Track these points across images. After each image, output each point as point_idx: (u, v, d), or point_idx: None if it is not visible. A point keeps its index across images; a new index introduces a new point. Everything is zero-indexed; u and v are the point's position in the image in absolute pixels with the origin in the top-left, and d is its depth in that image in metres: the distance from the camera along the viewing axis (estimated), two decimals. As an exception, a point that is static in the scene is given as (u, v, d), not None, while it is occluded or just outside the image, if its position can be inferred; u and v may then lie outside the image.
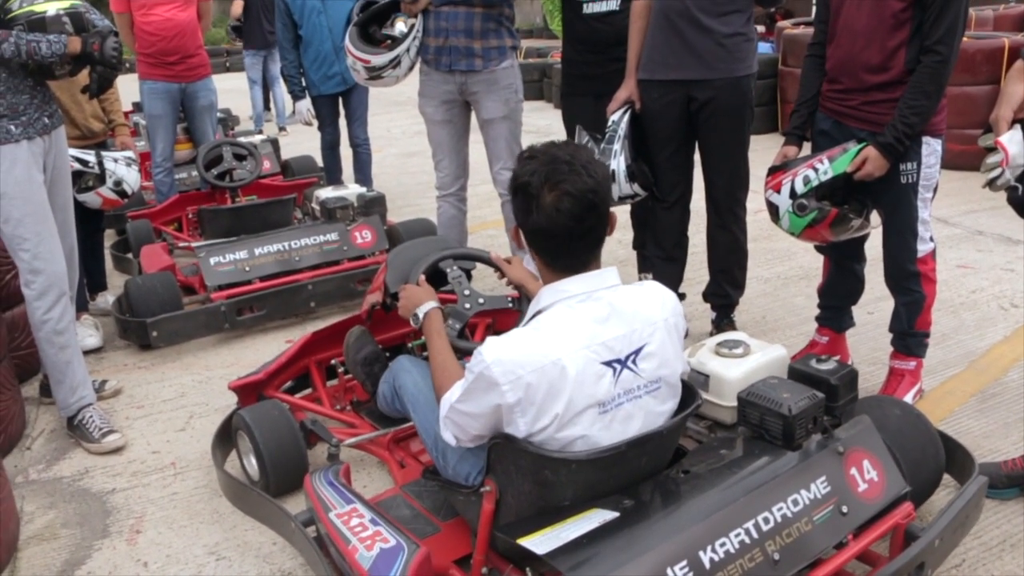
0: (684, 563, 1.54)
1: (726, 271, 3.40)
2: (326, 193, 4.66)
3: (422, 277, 2.31)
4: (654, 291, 1.84)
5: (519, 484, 1.75)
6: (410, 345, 2.76)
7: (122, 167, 3.77)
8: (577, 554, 1.52)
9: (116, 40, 2.80)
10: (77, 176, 3.59)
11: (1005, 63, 5.84)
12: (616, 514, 1.64)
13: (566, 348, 1.66)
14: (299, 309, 3.97)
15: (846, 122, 2.71)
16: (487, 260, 2.50)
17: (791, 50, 7.46)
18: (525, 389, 1.64)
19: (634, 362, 1.73)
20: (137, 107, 5.99)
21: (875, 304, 3.61)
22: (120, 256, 4.78)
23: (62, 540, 2.46)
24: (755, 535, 1.64)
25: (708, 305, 3.53)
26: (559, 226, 1.69)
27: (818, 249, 3.09)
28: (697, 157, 3.29)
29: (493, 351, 1.67)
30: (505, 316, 2.78)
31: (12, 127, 2.68)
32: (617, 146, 3.14)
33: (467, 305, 2.42)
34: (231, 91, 10.85)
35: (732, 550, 1.60)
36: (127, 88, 5.00)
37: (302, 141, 8.07)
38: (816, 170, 2.64)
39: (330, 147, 5.59)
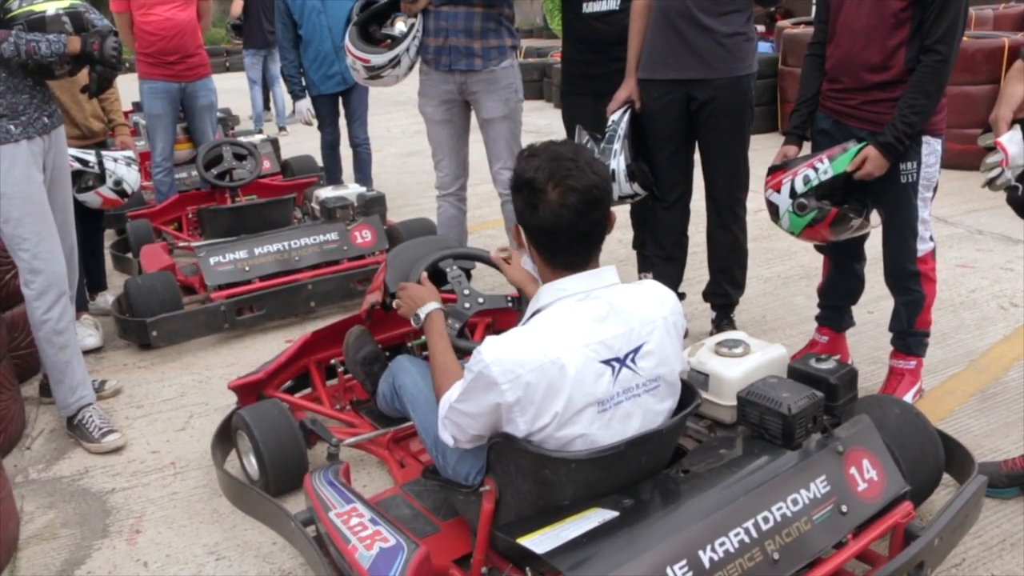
0: (684, 562, 1.54)
1: (726, 271, 3.40)
2: (326, 193, 4.66)
3: (424, 275, 2.30)
4: (653, 290, 1.85)
5: (519, 484, 1.75)
6: (410, 345, 2.76)
7: (122, 167, 3.77)
8: (577, 553, 1.52)
9: (116, 40, 2.80)
10: (77, 176, 3.59)
11: (1005, 63, 5.84)
12: (616, 513, 1.64)
13: (565, 347, 1.66)
14: (299, 309, 3.97)
15: (846, 121, 2.71)
16: (487, 260, 2.49)
17: (791, 50, 7.46)
18: (524, 388, 1.64)
19: (633, 361, 1.73)
20: (137, 107, 5.99)
21: (875, 303, 3.61)
22: (120, 256, 4.78)
23: (62, 540, 2.46)
24: (755, 534, 1.64)
25: (708, 305, 3.53)
26: (564, 222, 1.69)
27: (818, 248, 3.09)
28: (697, 157, 3.29)
29: (492, 350, 1.67)
30: (505, 315, 2.78)
31: (12, 127, 2.68)
32: (617, 145, 3.14)
33: (467, 305, 2.42)
34: (231, 91, 10.85)
35: (732, 549, 1.60)
36: (127, 88, 5.00)
37: (302, 141, 8.08)
38: (816, 169, 2.64)
39: (330, 147, 5.59)
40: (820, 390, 1.96)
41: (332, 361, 2.92)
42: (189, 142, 5.32)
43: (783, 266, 4.40)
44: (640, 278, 3.59)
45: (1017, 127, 2.21)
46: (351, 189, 4.71)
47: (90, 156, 3.69)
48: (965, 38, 2.88)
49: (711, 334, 3.38)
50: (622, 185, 3.15)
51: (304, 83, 5.42)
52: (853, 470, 1.86)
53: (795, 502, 1.73)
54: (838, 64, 2.69)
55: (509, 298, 2.50)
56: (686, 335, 2.02)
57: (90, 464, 2.86)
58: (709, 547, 1.58)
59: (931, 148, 2.61)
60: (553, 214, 1.68)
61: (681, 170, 3.26)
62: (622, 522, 1.62)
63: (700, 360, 2.35)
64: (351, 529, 1.97)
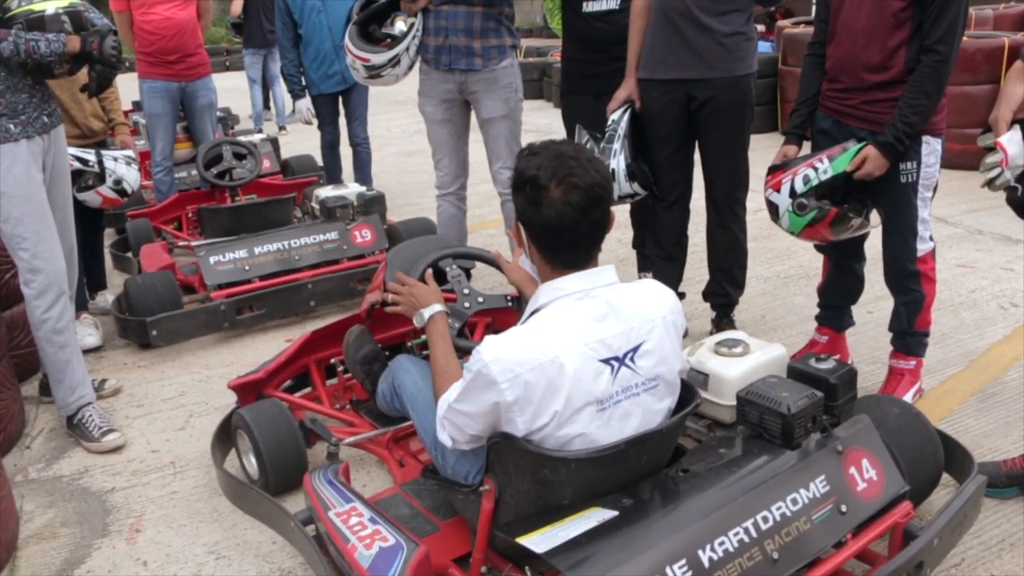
0: (683, 562, 1.54)
1: (726, 270, 3.40)
2: (326, 192, 4.66)
3: (430, 273, 2.30)
4: (652, 289, 1.85)
5: (518, 483, 1.75)
6: (409, 344, 2.76)
7: (122, 166, 3.77)
8: (576, 553, 1.52)
9: (115, 39, 2.80)
10: (77, 175, 3.59)
11: (1005, 62, 5.84)
12: (615, 513, 1.65)
13: (564, 346, 1.66)
14: (299, 308, 3.97)
15: (846, 121, 2.71)
16: (488, 259, 2.49)
17: (791, 49, 7.46)
18: (524, 387, 1.64)
19: (632, 360, 1.73)
20: (137, 106, 5.99)
21: (875, 303, 3.61)
22: (120, 255, 4.78)
23: (61, 539, 2.46)
24: (754, 534, 1.65)
25: (708, 304, 3.53)
26: (567, 219, 1.69)
27: (818, 248, 3.09)
28: (697, 156, 3.29)
29: (491, 349, 1.67)
30: (505, 315, 2.78)
31: (11, 126, 2.68)
32: (617, 145, 3.14)
33: (467, 304, 2.42)
34: (231, 90, 10.85)
35: (731, 549, 1.60)
36: (127, 87, 5.00)
37: (302, 140, 8.08)
38: (816, 169, 2.64)
39: (330, 146, 5.59)
40: (820, 390, 1.96)
41: (332, 360, 2.92)
42: (189, 141, 5.32)
43: (783, 266, 4.40)
44: (640, 277, 3.59)
45: (1017, 127, 2.21)
46: (351, 188, 4.71)
47: (90, 155, 3.69)
48: (965, 38, 2.88)
49: (711, 334, 3.38)
50: (622, 185, 3.15)
51: (304, 82, 5.43)
52: (852, 470, 1.86)
53: (794, 502, 1.73)
54: (838, 64, 2.69)
55: (509, 297, 2.50)
56: (686, 335, 2.02)
57: (90, 463, 2.86)
58: (709, 547, 1.58)
59: (931, 148, 2.61)
60: (556, 211, 1.69)
61: (681, 170, 3.26)
62: (622, 521, 1.62)
63: (700, 360, 2.35)
64: (351, 528, 1.97)
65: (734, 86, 3.06)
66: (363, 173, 5.69)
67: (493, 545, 1.86)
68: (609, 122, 3.21)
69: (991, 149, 2.21)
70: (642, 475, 1.80)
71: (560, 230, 1.71)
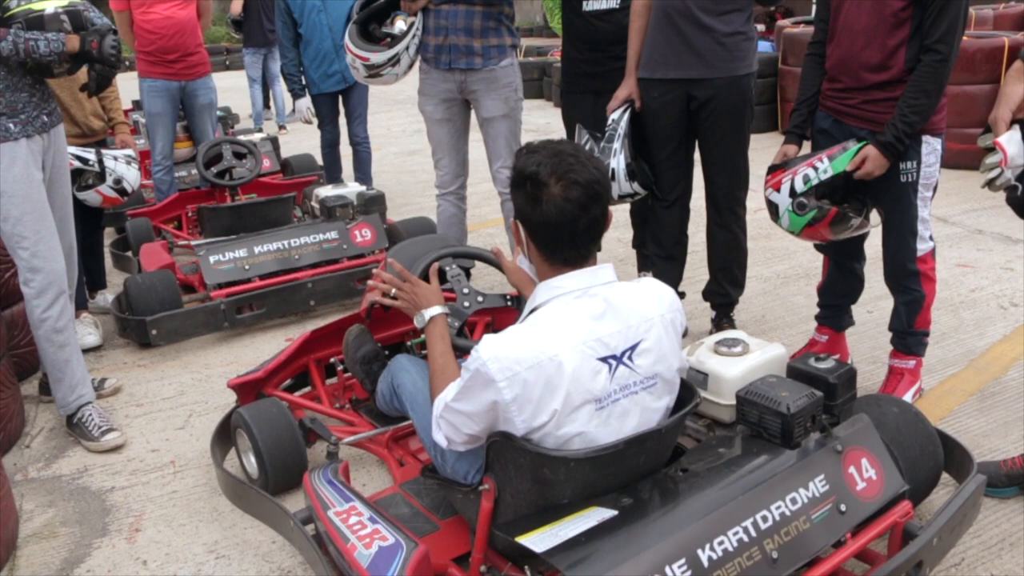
0: (682, 561, 1.54)
1: (726, 270, 3.40)
2: (326, 191, 4.66)
3: (434, 271, 2.30)
4: (651, 287, 1.85)
5: (518, 482, 1.75)
6: (409, 344, 2.77)
7: (122, 165, 3.77)
8: (576, 552, 1.52)
9: (115, 38, 2.80)
10: (77, 174, 3.59)
11: (1005, 62, 5.84)
12: (615, 512, 1.64)
13: (563, 344, 1.66)
14: (298, 307, 3.97)
15: (846, 121, 2.71)
16: (488, 258, 2.50)
17: (791, 49, 7.46)
18: (522, 386, 1.64)
19: (630, 358, 1.73)
20: (137, 105, 5.99)
21: (875, 303, 3.61)
22: (119, 254, 4.78)
23: (61, 538, 2.46)
24: (753, 533, 1.65)
25: (708, 304, 3.53)
26: (567, 215, 1.70)
27: (818, 248, 3.09)
28: (697, 156, 3.29)
29: (490, 348, 1.67)
30: (504, 314, 2.78)
31: (11, 125, 2.68)
32: (617, 144, 3.14)
33: (466, 303, 2.42)
34: (231, 89, 10.85)
35: (730, 548, 1.60)
36: (127, 86, 5.00)
37: (302, 139, 8.08)
38: (816, 169, 2.64)
39: (330, 145, 5.59)
40: (819, 389, 1.96)
41: (332, 360, 2.92)
42: (189, 140, 5.32)
43: (783, 265, 4.40)
44: (640, 277, 3.59)
45: (1016, 127, 2.21)
46: (351, 188, 4.71)
47: (90, 154, 3.69)
48: (965, 38, 2.88)
49: (711, 333, 3.37)
50: (622, 184, 3.15)
51: (304, 81, 5.43)
52: (852, 469, 1.86)
53: (794, 501, 1.73)
54: (838, 63, 2.69)
55: (508, 297, 2.50)
56: (685, 334, 2.02)
57: (89, 462, 2.86)
58: (708, 546, 1.58)
59: (931, 147, 2.61)
60: (556, 208, 1.69)
61: (681, 169, 3.26)
62: (621, 521, 1.62)
63: (699, 359, 2.35)
64: (350, 528, 1.97)
65: (734, 86, 3.05)
66: (363, 172, 5.69)
67: (493, 544, 1.86)
68: (609, 121, 3.21)
69: (991, 150, 2.21)
70: (641, 474, 1.80)
71: (559, 226, 1.71)
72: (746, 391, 1.96)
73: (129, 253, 4.69)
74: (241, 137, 5.57)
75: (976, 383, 3.05)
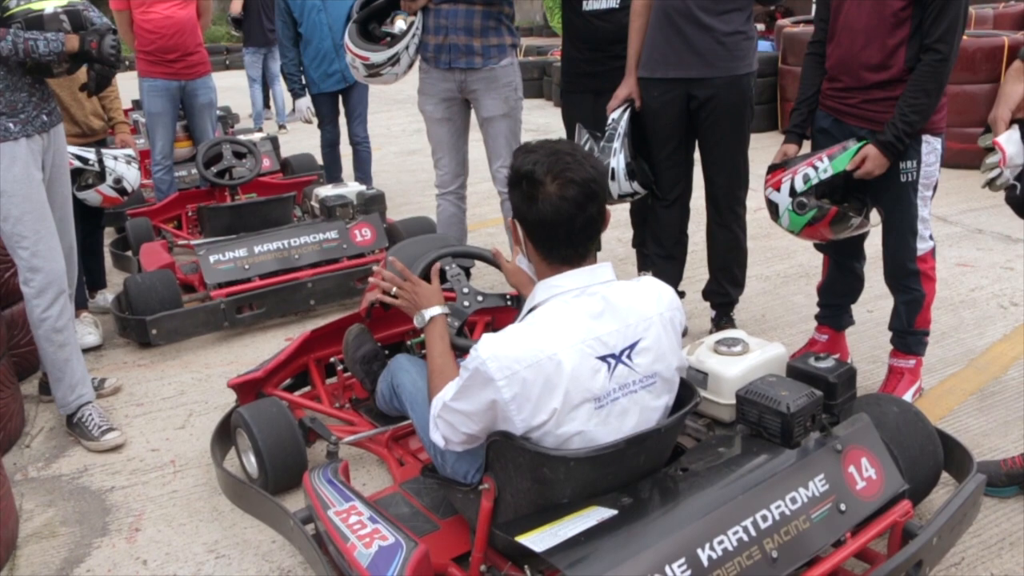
0: (682, 561, 1.54)
1: (726, 269, 3.40)
2: (326, 191, 4.66)
3: (436, 271, 2.30)
4: (650, 286, 1.85)
5: (517, 482, 1.75)
6: (408, 343, 2.77)
7: (122, 165, 3.77)
8: (575, 551, 1.52)
9: (114, 38, 2.79)
10: (77, 174, 3.59)
11: (1005, 61, 5.84)
12: (614, 512, 1.64)
13: (562, 343, 1.66)
14: (298, 307, 3.97)
15: (846, 120, 2.71)
16: (488, 258, 2.50)
17: (791, 48, 7.46)
18: (521, 384, 1.64)
19: (629, 357, 1.73)
20: (137, 105, 5.99)
21: (875, 302, 3.61)
22: (119, 254, 4.78)
23: (61, 538, 2.46)
24: (753, 533, 1.65)
25: (708, 303, 3.53)
26: (563, 214, 1.70)
27: (818, 247, 3.09)
28: (697, 155, 3.29)
29: (489, 347, 1.67)
30: (504, 314, 2.78)
31: (11, 125, 2.68)
32: (617, 144, 3.13)
33: (466, 303, 2.42)
34: (231, 89, 10.85)
35: (730, 548, 1.60)
36: (127, 86, 5.00)
37: (302, 139, 8.08)
38: (816, 168, 2.64)
39: (330, 145, 5.59)
40: (819, 389, 1.96)
41: (331, 359, 2.92)
42: (189, 140, 5.32)
43: (783, 265, 4.39)
44: (640, 276, 3.59)
45: (1015, 127, 2.21)
46: (351, 187, 4.71)
47: (90, 154, 3.69)
48: (965, 37, 2.88)
49: (710, 332, 3.38)
50: (622, 183, 3.15)
51: (304, 81, 5.43)
52: (852, 468, 1.86)
53: (794, 500, 1.73)
54: (838, 63, 2.68)
55: (508, 296, 2.50)
56: (685, 333, 2.02)
57: (89, 462, 2.86)
58: (708, 545, 1.58)
59: (931, 147, 2.61)
60: (552, 206, 1.70)
61: (681, 169, 3.26)
62: (621, 520, 1.62)
63: (699, 358, 2.34)
64: (350, 527, 1.97)
65: (734, 85, 3.05)
66: (363, 172, 5.69)
67: (492, 544, 1.86)
68: (609, 121, 3.21)
69: (991, 150, 2.21)
70: (641, 474, 1.80)
71: (556, 225, 1.71)
72: (746, 390, 1.96)
73: (129, 253, 4.69)
74: (241, 137, 5.57)
75: (976, 382, 3.05)
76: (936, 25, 2.45)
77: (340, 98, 5.48)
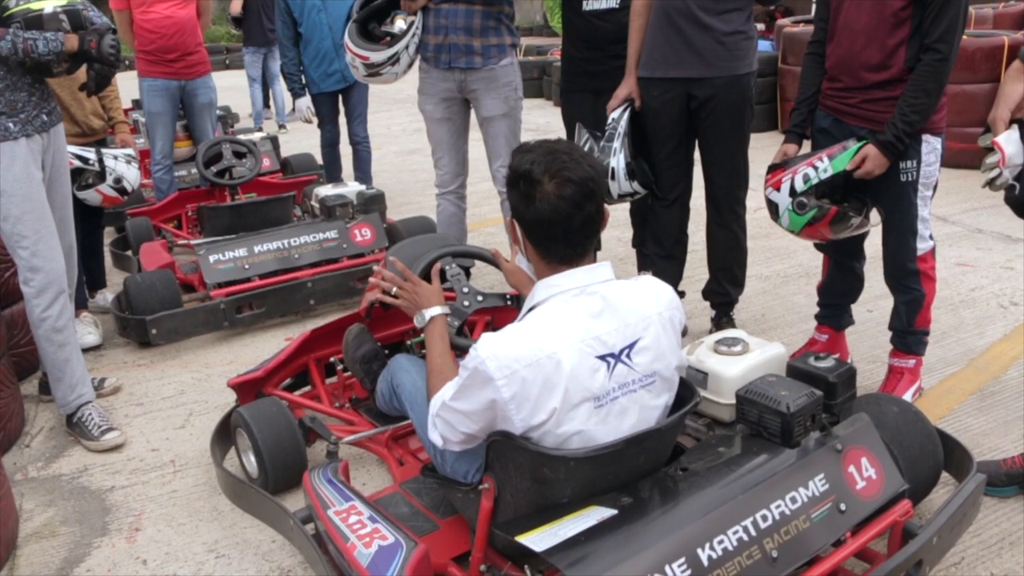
0: (682, 560, 1.54)
1: (726, 269, 3.40)
2: (325, 191, 4.66)
3: (436, 271, 2.30)
4: (649, 285, 1.85)
5: (517, 482, 1.75)
6: (408, 343, 2.76)
7: (122, 164, 3.77)
8: (575, 551, 1.52)
9: (114, 37, 2.79)
10: (77, 173, 3.59)
11: (1005, 61, 5.84)
12: (614, 511, 1.64)
13: (561, 342, 1.66)
14: (298, 307, 3.97)
15: (846, 120, 2.71)
16: (488, 258, 2.50)
17: (791, 48, 7.46)
18: (520, 384, 1.64)
19: (628, 356, 1.73)
20: (137, 104, 5.99)
21: (875, 302, 3.61)
22: (119, 254, 4.78)
23: (61, 538, 2.46)
24: (753, 532, 1.65)
25: (708, 303, 3.53)
26: (560, 213, 1.70)
27: (818, 247, 3.09)
28: (697, 155, 3.29)
29: (488, 346, 1.67)
30: (504, 314, 2.78)
31: (11, 124, 2.68)
32: (617, 144, 3.13)
33: (466, 303, 2.42)
34: (231, 89, 10.85)
35: (730, 547, 1.60)
36: (126, 85, 5.00)
37: (302, 139, 8.08)
38: (816, 168, 2.64)
39: (330, 145, 5.59)
40: (819, 388, 1.96)
41: (331, 359, 2.92)
42: (189, 140, 5.32)
43: (783, 264, 4.39)
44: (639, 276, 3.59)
45: (1015, 127, 2.21)
46: (351, 187, 4.71)
47: (90, 154, 3.69)
48: (965, 37, 2.88)
49: (710, 332, 3.37)
50: (622, 183, 3.15)
51: (304, 81, 5.43)
52: (852, 468, 1.86)
53: (794, 500, 1.73)
54: (838, 63, 2.68)
55: (508, 296, 2.50)
56: (685, 332, 2.02)
57: (89, 462, 2.86)
58: (708, 545, 1.58)
59: (931, 147, 2.61)
60: (550, 205, 1.70)
61: (681, 168, 3.26)
62: (621, 520, 1.62)
63: (699, 358, 2.34)
64: (350, 527, 1.97)
65: (734, 85, 3.05)
66: (363, 172, 5.69)
67: (492, 543, 1.86)
68: (609, 120, 3.21)
69: (991, 149, 2.21)
70: (641, 474, 1.80)
71: (554, 224, 1.72)
72: (746, 390, 1.96)
73: (129, 252, 4.69)
74: (241, 136, 5.57)
75: (976, 382, 3.05)
76: (936, 25, 2.45)
77: (340, 98, 5.48)
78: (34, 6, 2.68)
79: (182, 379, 3.45)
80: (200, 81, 4.95)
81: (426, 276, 2.31)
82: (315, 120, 5.58)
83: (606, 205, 1.84)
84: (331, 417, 2.77)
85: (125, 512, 2.57)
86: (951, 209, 5.12)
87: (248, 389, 2.79)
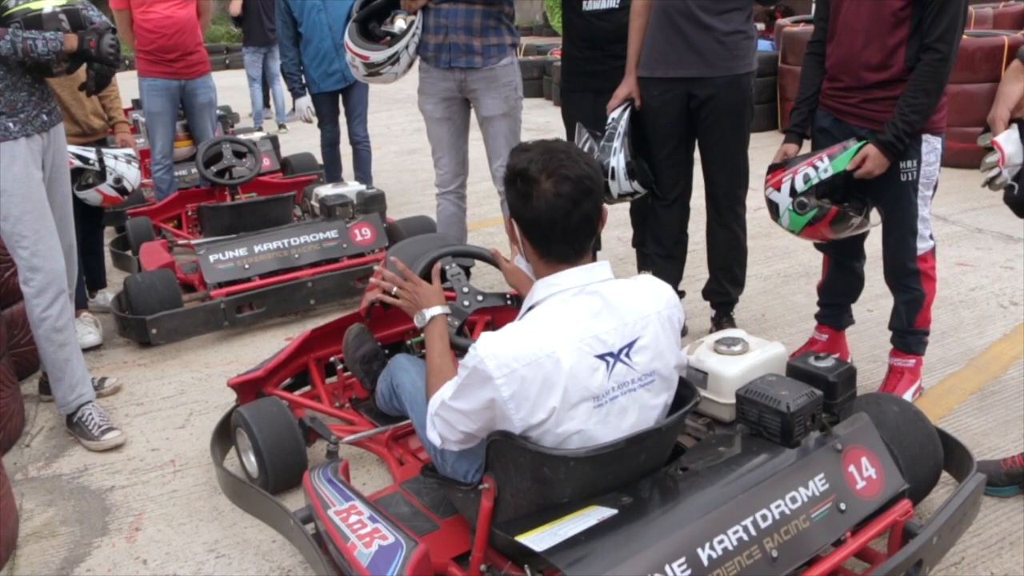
0: (682, 560, 1.54)
1: (726, 269, 3.40)
2: (326, 190, 4.67)
3: (437, 271, 2.30)
4: (648, 284, 1.85)
5: (518, 481, 1.75)
6: (408, 343, 2.76)
7: (122, 164, 3.77)
8: (575, 551, 1.52)
9: (113, 37, 2.79)
10: (77, 173, 3.59)
11: (1005, 61, 5.84)
12: (615, 511, 1.64)
13: (560, 341, 1.66)
14: (298, 306, 3.97)
15: (846, 120, 2.71)
16: (488, 258, 2.50)
17: (791, 48, 7.46)
18: (520, 383, 1.64)
19: (627, 355, 1.73)
20: (137, 104, 5.99)
21: (875, 302, 3.61)
22: (119, 253, 4.78)
23: (61, 537, 2.46)
24: (753, 532, 1.64)
25: (708, 303, 3.53)
26: (558, 211, 1.70)
27: (818, 247, 3.09)
28: (697, 155, 3.29)
29: (487, 345, 1.67)
30: (504, 313, 2.78)
31: (11, 124, 2.68)
32: (617, 143, 3.13)
33: (466, 303, 2.42)
34: (231, 88, 10.85)
35: (730, 547, 1.60)
36: (126, 85, 5.00)
37: (302, 138, 8.08)
38: (816, 168, 2.64)
39: (330, 144, 5.59)
40: (819, 388, 1.96)
41: (331, 359, 2.92)
42: (189, 139, 5.33)
43: (783, 264, 4.39)
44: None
45: (1014, 126, 2.21)
46: (351, 187, 4.71)
47: (90, 153, 3.69)
48: (965, 36, 2.88)
49: (710, 332, 3.37)
50: (622, 183, 3.15)
51: (304, 81, 5.43)
52: (852, 468, 1.86)
53: (794, 500, 1.73)
54: (838, 63, 2.68)
55: (508, 296, 2.50)
56: (685, 332, 2.02)
57: (89, 462, 2.86)
58: (708, 545, 1.58)
59: (931, 146, 2.61)
60: (547, 203, 1.70)
61: (681, 168, 3.26)
62: (621, 520, 1.62)
63: (699, 358, 2.34)
64: (350, 527, 1.97)
65: (734, 84, 3.05)
66: (363, 171, 5.69)
67: (493, 543, 1.86)
68: (609, 120, 3.21)
69: (991, 149, 2.21)
70: (641, 473, 1.80)
71: (551, 222, 1.72)
72: (746, 390, 1.96)
73: (129, 252, 4.69)
74: (241, 136, 5.57)
75: (976, 382, 3.05)
76: (936, 24, 2.45)
77: (340, 97, 5.49)
78: (33, 6, 2.68)
79: (182, 379, 3.45)
80: (200, 81, 4.95)
81: (426, 276, 2.31)
82: (315, 120, 5.58)
83: (605, 205, 1.84)
84: (331, 417, 2.77)
85: (125, 512, 2.57)
86: (951, 209, 5.12)
87: (248, 389, 2.79)
